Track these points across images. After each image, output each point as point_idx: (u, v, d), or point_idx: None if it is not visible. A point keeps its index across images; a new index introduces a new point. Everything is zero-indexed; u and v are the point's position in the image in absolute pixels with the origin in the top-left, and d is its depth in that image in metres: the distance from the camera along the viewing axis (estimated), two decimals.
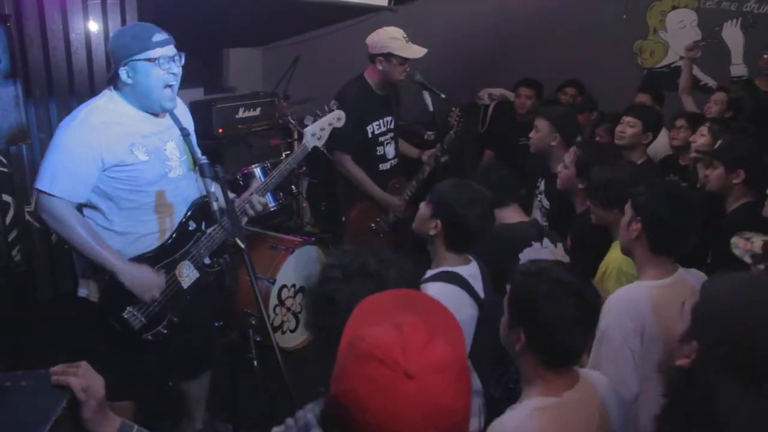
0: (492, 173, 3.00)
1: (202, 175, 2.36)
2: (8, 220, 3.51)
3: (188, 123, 2.74)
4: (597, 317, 1.74)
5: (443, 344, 1.06)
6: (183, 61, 2.54)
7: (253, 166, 4.25)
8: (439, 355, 1.04)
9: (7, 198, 3.52)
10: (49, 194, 2.39)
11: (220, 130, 5.29)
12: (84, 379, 1.37)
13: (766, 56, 4.66)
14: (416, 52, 3.72)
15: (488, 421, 1.85)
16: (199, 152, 2.73)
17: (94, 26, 3.69)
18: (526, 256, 2.71)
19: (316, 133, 3.03)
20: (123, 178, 2.48)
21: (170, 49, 2.50)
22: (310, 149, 3.02)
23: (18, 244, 3.57)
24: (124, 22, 3.78)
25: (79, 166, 2.40)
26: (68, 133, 2.42)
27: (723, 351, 1.32)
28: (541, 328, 1.68)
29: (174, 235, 2.63)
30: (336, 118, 3.11)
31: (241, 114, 5.51)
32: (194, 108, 5.55)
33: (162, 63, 2.45)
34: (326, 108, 3.12)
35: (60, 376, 1.37)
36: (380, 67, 3.77)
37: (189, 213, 2.67)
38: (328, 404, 1.08)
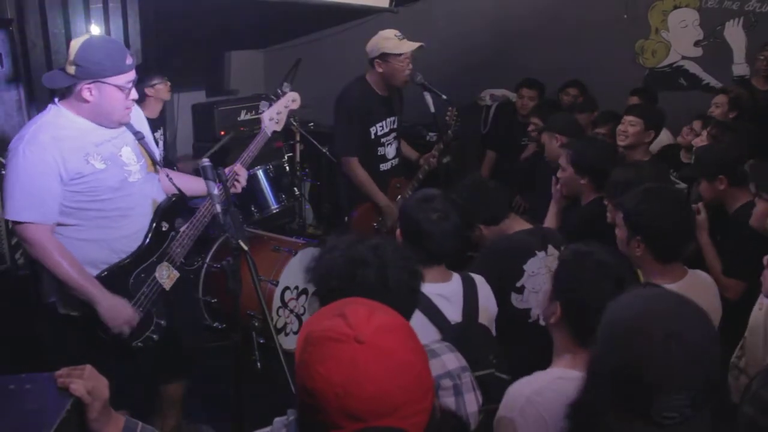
0: (480, 193, 2.88)
1: (205, 177, 2.36)
2: (11, 223, 3.51)
3: (141, 125, 2.71)
4: None
5: (384, 314, 1.16)
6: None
7: (256, 168, 4.25)
8: (383, 321, 1.13)
9: None
10: (21, 222, 2.36)
11: (222, 133, 5.30)
12: (89, 381, 1.38)
13: (762, 57, 4.66)
14: (408, 46, 3.73)
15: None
16: (157, 153, 2.75)
17: (95, 30, 3.70)
18: (530, 267, 2.65)
19: (273, 117, 3.02)
20: (84, 190, 2.43)
21: (133, 72, 2.47)
22: (270, 134, 3.02)
23: (21, 247, 3.57)
24: (125, 25, 3.79)
25: (42, 185, 2.35)
26: (20, 155, 2.34)
27: (596, 361, 1.33)
28: (576, 305, 1.74)
29: (149, 238, 2.62)
30: (291, 99, 3.08)
31: (243, 116, 5.52)
32: (196, 110, 5.64)
33: (129, 92, 2.44)
34: (279, 91, 3.12)
35: (65, 379, 1.38)
36: (380, 70, 3.78)
37: (159, 214, 2.65)
38: (299, 399, 1.12)
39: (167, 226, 2.67)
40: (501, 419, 1.70)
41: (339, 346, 1.08)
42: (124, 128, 2.60)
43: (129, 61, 2.44)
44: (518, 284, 2.62)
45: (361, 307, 1.16)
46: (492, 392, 1.97)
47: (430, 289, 2.14)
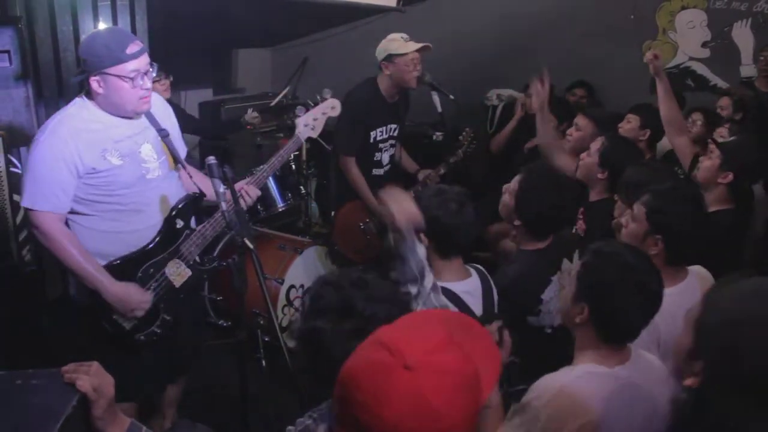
0: None
1: (211, 175, 2.36)
2: (18, 220, 3.53)
3: (169, 122, 2.71)
4: (659, 303, 1.80)
5: (456, 355, 1.05)
6: (155, 73, 2.49)
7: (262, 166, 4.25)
8: (445, 360, 1.03)
9: (17, 198, 3.53)
10: (34, 210, 2.41)
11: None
12: (95, 378, 1.39)
13: (763, 57, 4.63)
14: (412, 46, 3.71)
15: None
16: (181, 151, 2.74)
17: (103, 27, 3.71)
18: (547, 295, 2.57)
19: (308, 123, 2.96)
20: (98, 184, 2.46)
21: (143, 60, 2.42)
22: (303, 140, 2.97)
23: (28, 243, 3.57)
24: (133, 23, 3.79)
25: (56, 177, 2.39)
26: (40, 146, 2.41)
27: (727, 369, 1.23)
28: (606, 309, 1.77)
29: (160, 234, 2.62)
30: (330, 107, 3.03)
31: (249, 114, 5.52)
32: (203, 108, 5.65)
33: (135, 81, 2.39)
34: (319, 97, 3.07)
35: (71, 375, 1.39)
36: (388, 72, 3.76)
37: (174, 211, 2.65)
38: (335, 386, 1.09)
39: (182, 223, 2.67)
40: (527, 406, 1.72)
41: (385, 356, 1.02)
42: (147, 124, 2.60)
43: (132, 49, 2.38)
44: (535, 309, 2.58)
45: (439, 337, 1.07)
46: (512, 377, 2.08)
47: (457, 287, 2.25)
